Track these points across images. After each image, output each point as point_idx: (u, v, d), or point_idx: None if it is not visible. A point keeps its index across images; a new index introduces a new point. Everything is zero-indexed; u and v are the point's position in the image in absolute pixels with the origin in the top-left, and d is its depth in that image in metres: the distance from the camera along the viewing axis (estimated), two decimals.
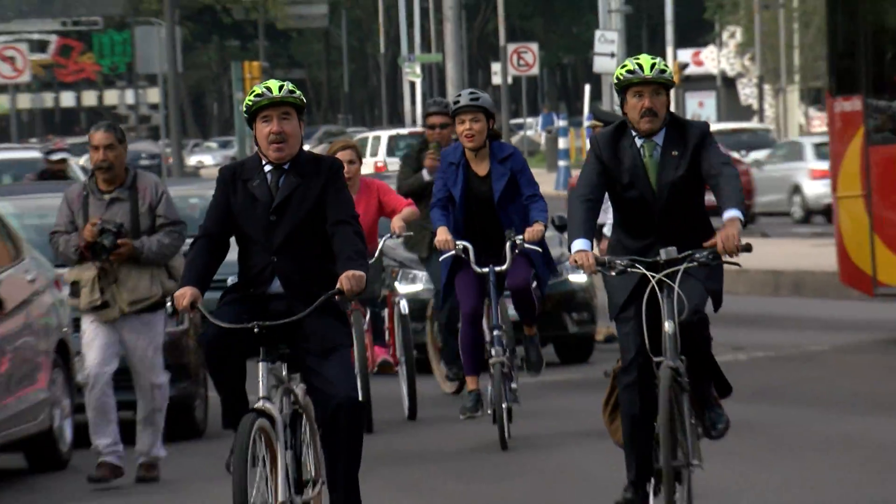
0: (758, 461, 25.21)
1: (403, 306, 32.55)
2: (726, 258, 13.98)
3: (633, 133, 13.36)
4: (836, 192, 41.62)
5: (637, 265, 13.63)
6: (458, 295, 23.75)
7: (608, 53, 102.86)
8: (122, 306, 20.27)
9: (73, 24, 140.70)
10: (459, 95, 25.66)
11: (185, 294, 12.82)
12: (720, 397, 15.36)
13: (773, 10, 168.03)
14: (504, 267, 22.22)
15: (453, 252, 22.35)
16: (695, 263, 13.71)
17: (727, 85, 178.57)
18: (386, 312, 33.48)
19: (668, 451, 13.70)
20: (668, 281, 13.52)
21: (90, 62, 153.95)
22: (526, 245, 21.75)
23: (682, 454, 14.17)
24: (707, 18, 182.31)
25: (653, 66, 13.43)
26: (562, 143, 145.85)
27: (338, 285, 12.85)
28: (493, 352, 22.24)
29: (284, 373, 13.84)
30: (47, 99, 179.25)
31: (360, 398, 15.86)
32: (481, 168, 21.24)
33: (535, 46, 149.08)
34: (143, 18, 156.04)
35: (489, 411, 23.25)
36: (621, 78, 13.26)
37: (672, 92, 13.93)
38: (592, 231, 14.81)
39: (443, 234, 21.63)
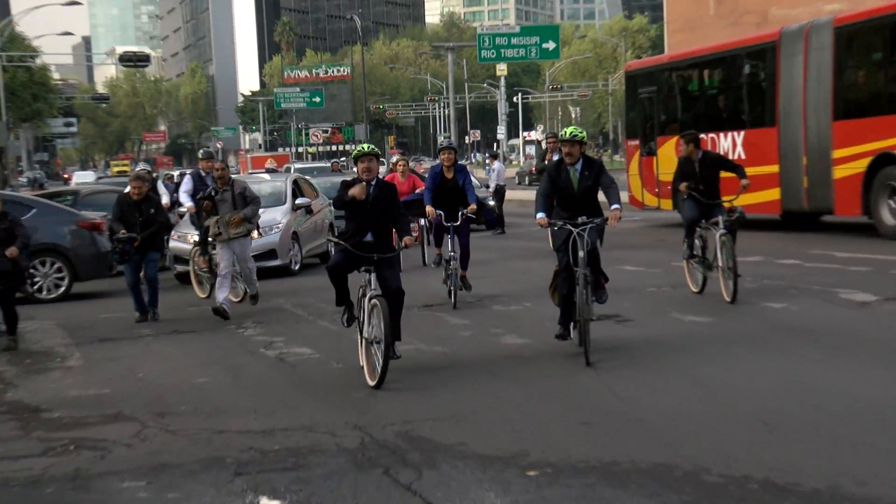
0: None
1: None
2: (610, 224, 14.66)
3: (566, 164, 14.53)
4: (628, 173, 38.24)
5: (568, 224, 14.15)
6: (435, 235, 21.61)
7: (503, 133, 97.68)
8: (230, 235, 19.81)
9: (336, 125, 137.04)
10: (444, 140, 25.36)
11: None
12: (604, 283, 15.38)
13: (553, 119, 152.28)
14: (457, 223, 20.18)
15: (435, 216, 20.29)
16: (594, 224, 14.28)
17: (538, 144, 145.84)
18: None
19: (582, 310, 14.31)
20: (583, 232, 13.95)
21: (341, 137, 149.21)
22: (468, 214, 20.25)
23: (586, 312, 14.32)
24: (533, 121, 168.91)
25: (570, 132, 14.39)
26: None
27: (402, 244, 14.14)
28: (451, 264, 20.33)
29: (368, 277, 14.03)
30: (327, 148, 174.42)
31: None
32: (450, 174, 20.27)
33: (478, 131, 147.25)
34: (356, 121, 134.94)
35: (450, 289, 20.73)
36: (558, 138, 15.18)
37: (582, 144, 14.71)
38: (547, 209, 14.49)
39: (430, 208, 20.10)
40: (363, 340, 13.51)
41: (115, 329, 20.46)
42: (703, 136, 27.75)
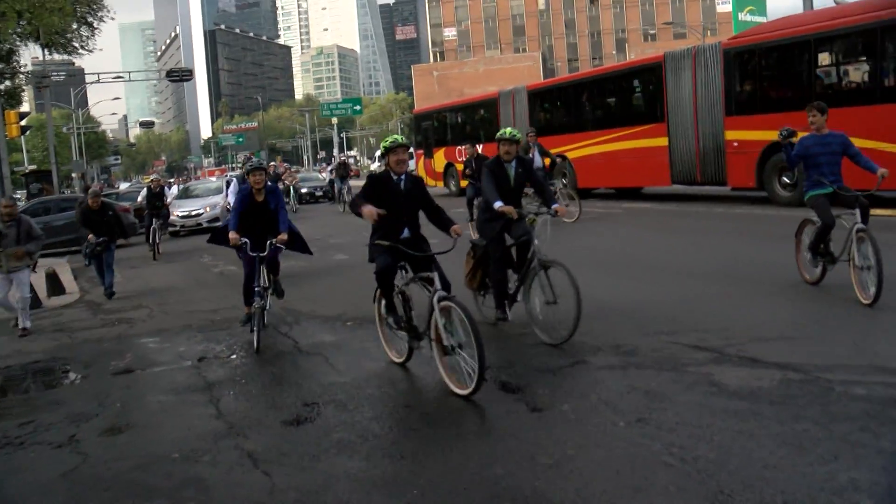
0: None
1: None
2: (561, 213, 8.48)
3: (503, 161, 8.56)
4: (416, 167, 33.60)
5: (531, 214, 8.37)
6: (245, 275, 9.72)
7: (336, 152, 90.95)
8: (9, 268, 11.47)
9: (251, 152, 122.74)
10: (254, 161, 10.40)
11: (372, 209, 6.86)
12: None
13: (361, 144, 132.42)
14: (265, 253, 9.36)
15: (240, 242, 9.17)
16: (551, 214, 8.24)
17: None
18: None
19: (527, 291, 7.98)
20: (545, 222, 8.24)
21: (253, 157, 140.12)
22: (276, 244, 9.46)
23: (549, 295, 7.51)
24: (351, 146, 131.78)
25: (509, 133, 8.48)
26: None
27: (453, 234, 7.06)
28: (259, 300, 9.47)
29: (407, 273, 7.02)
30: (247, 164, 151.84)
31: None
32: (260, 197, 9.34)
33: (324, 152, 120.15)
34: (261, 149, 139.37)
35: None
36: (498, 137, 8.65)
37: (518, 144, 8.67)
38: (498, 199, 8.19)
39: (233, 234, 9.23)
40: (434, 345, 6.73)
41: (138, 262, 19.67)
42: (460, 147, 29.10)
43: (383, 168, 7.55)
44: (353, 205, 7.10)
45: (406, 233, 7.26)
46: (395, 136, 7.24)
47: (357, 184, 42.18)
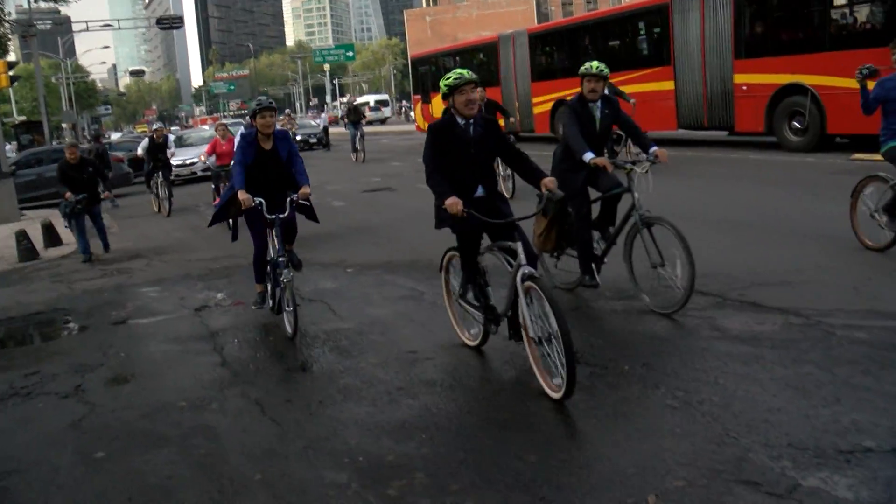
0: None
1: None
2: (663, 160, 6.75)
3: (587, 100, 7.07)
4: (414, 112, 34.94)
5: (627, 164, 6.86)
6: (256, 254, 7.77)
7: (328, 100, 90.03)
8: None
9: (242, 100, 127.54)
10: (262, 99, 7.43)
11: (457, 201, 5.20)
12: None
13: (353, 92, 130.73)
14: (285, 214, 7.25)
15: (253, 205, 7.05)
16: (652, 161, 6.79)
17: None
18: None
19: (651, 254, 6.52)
20: (636, 168, 6.84)
21: (245, 105, 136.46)
22: (299, 200, 7.27)
23: (655, 258, 6.43)
24: (344, 93, 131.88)
25: (595, 67, 7.06)
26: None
27: (544, 189, 5.38)
28: (281, 274, 7.19)
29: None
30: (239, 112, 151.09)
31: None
32: (268, 144, 7.26)
33: (317, 99, 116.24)
34: (252, 98, 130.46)
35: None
36: (582, 72, 7.18)
37: (606, 81, 7.18)
38: (587, 149, 6.80)
39: (244, 194, 6.98)
40: (523, 333, 5.33)
41: (136, 212, 19.64)
42: None
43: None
44: (431, 182, 5.56)
45: (480, 191, 5.79)
46: (460, 70, 5.79)
47: (372, 130, 44.25)
